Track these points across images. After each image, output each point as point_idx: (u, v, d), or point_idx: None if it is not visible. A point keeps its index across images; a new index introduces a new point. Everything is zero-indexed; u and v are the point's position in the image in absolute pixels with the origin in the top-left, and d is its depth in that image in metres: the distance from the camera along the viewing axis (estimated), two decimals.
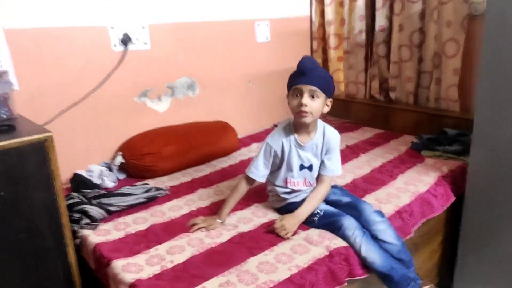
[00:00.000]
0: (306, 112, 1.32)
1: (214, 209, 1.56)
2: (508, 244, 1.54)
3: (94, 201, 1.55)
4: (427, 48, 2.24)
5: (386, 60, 2.46)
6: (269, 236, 1.36)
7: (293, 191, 1.46)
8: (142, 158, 1.89)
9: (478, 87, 1.51)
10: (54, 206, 1.32)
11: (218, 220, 1.43)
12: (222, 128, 2.21)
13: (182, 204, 1.63)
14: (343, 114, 2.69)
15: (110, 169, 1.91)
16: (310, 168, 1.45)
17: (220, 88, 2.38)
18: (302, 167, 1.44)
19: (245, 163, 2.02)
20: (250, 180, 1.46)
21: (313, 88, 1.31)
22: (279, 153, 1.42)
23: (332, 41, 2.66)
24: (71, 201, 1.52)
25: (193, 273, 1.18)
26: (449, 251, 1.80)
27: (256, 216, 1.49)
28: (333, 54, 2.72)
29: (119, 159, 1.91)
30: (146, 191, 1.68)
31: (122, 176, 1.92)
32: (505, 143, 1.46)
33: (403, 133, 2.33)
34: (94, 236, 1.41)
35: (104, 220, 1.52)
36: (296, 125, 1.41)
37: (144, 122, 2.08)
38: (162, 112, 2.16)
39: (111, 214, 1.55)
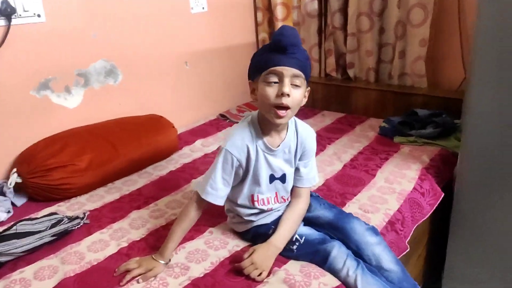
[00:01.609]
0: (286, 108, 0.96)
1: (153, 242, 1.15)
2: (502, 241, 1.33)
3: None
4: (389, 16, 1.97)
5: (343, 32, 2.14)
6: (235, 280, 0.98)
7: (262, 211, 1.10)
8: (48, 174, 1.39)
9: (473, 60, 1.24)
10: None
11: (161, 261, 1.03)
12: (155, 124, 1.76)
13: (108, 238, 1.19)
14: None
15: (1, 193, 1.39)
16: (282, 179, 1.09)
17: (149, 72, 1.90)
18: (272, 178, 1.08)
19: (189, 169, 1.61)
20: (203, 204, 1.06)
21: (297, 72, 0.95)
22: (243, 163, 1.04)
23: (280, 12, 2.27)
24: None
25: None
26: (435, 251, 1.58)
27: (212, 248, 1.11)
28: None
29: (14, 178, 1.39)
30: (54, 224, 1.21)
31: (20, 202, 1.41)
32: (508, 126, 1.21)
33: (366, 116, 2.06)
34: None
35: None
36: (264, 124, 1.04)
37: (49, 124, 1.57)
38: (73, 108, 1.65)
39: (1, 267, 1.07)
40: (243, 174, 1.06)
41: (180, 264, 1.05)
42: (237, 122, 2.05)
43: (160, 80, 1.95)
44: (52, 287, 1.00)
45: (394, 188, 1.37)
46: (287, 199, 1.14)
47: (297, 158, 1.09)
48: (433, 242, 1.57)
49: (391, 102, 2.01)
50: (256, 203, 1.09)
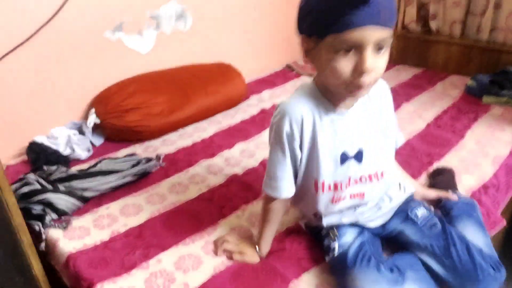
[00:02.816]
0: (367, 85, 0.68)
1: (235, 189, 1.13)
2: None
3: (61, 186, 1.09)
4: None
5: None
6: None
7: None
8: (124, 115, 1.40)
9: None
10: None
11: (259, 254, 0.89)
12: (225, 72, 1.71)
13: (186, 182, 1.19)
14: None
15: (81, 133, 1.42)
16: (359, 157, 0.81)
17: (219, 18, 1.82)
18: (344, 158, 0.81)
19: (258, 119, 1.56)
20: (273, 198, 0.84)
21: (384, 35, 0.64)
22: (297, 135, 0.78)
23: None
24: (27, 189, 1.05)
25: None
26: None
27: None
28: None
29: (93, 119, 1.41)
30: (134, 165, 1.22)
31: (98, 141, 1.44)
32: None
33: (447, 72, 1.89)
34: (66, 241, 0.97)
35: (78, 211, 1.07)
36: (329, 93, 0.76)
37: (122, 67, 1.55)
38: (146, 52, 1.62)
39: (88, 202, 1.10)
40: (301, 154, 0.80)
41: None
42: (304, 74, 1.98)
43: (229, 26, 1.87)
44: (140, 223, 1.02)
45: (487, 151, 1.26)
46: (361, 181, 0.83)
47: (380, 123, 0.82)
48: None
49: (477, 59, 1.82)
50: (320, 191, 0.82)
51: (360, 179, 0.82)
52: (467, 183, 1.11)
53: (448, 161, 1.21)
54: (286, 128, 0.76)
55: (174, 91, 1.52)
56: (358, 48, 0.65)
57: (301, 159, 0.79)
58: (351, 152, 0.80)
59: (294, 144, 0.77)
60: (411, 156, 1.24)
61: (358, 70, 0.65)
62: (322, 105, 0.77)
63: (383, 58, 0.68)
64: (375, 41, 0.64)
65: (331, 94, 0.76)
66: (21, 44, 1.27)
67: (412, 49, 2.03)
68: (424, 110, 1.54)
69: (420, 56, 2.00)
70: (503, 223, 1.03)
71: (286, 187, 0.81)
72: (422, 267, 0.82)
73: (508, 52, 1.73)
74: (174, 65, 1.68)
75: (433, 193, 1.00)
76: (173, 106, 1.49)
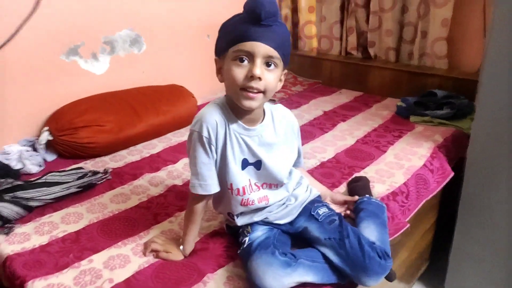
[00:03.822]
0: (257, 92, 0.83)
1: (172, 198, 1.24)
2: (509, 222, 1.36)
3: (6, 196, 1.17)
4: None
5: (365, 10, 2.14)
6: None
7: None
8: (75, 132, 1.49)
9: (489, 41, 1.24)
10: None
11: (182, 253, 0.99)
12: (176, 93, 1.84)
13: (129, 193, 1.28)
14: (313, 74, 2.38)
15: (34, 149, 1.50)
16: (257, 165, 0.95)
17: (172, 43, 1.97)
18: (245, 163, 0.96)
19: None
20: (200, 197, 0.95)
21: (272, 52, 0.82)
22: (213, 140, 0.91)
23: None
24: None
25: None
26: (442, 229, 1.62)
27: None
28: (303, 3, 2.36)
29: (45, 136, 1.50)
30: (80, 177, 1.31)
31: (51, 158, 1.52)
32: None
33: (385, 95, 2.07)
34: (6, 245, 1.05)
35: (22, 220, 1.15)
36: (236, 107, 0.90)
37: (77, 88, 1.66)
38: (100, 74, 1.74)
39: (32, 211, 1.18)
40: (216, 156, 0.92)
41: None
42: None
43: (182, 51, 2.02)
44: (77, 230, 1.10)
45: (403, 164, 1.41)
46: (262, 187, 0.96)
47: (282, 145, 0.98)
48: (442, 220, 1.61)
49: (407, 82, 2.01)
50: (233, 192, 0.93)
51: (262, 185, 0.95)
52: (378, 190, 1.25)
53: (366, 172, 1.36)
54: (204, 133, 0.89)
55: (125, 110, 1.63)
56: (250, 59, 0.82)
57: (216, 160, 0.92)
58: (251, 160, 0.93)
59: (211, 147, 0.90)
60: (335, 168, 1.38)
61: (249, 75, 0.82)
62: (230, 119, 0.91)
63: (272, 74, 0.85)
64: (263, 54, 0.82)
65: (237, 110, 0.90)
66: None
67: (353, 74, 2.21)
68: (356, 129, 1.70)
69: (360, 80, 2.18)
70: (408, 227, 1.16)
71: (213, 184, 0.93)
72: (322, 259, 0.93)
73: (433, 75, 1.92)
74: (128, 86, 1.80)
75: (340, 197, 1.14)
76: (123, 123, 1.59)
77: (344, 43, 2.28)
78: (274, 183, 0.97)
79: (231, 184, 0.93)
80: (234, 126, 0.91)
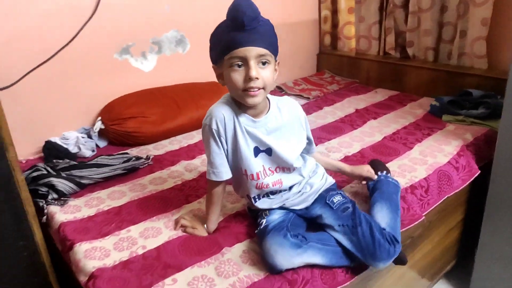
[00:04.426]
0: (258, 89, 0.92)
1: (202, 181, 1.37)
2: None
3: (63, 174, 1.36)
4: None
5: (403, 10, 2.15)
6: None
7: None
8: (124, 122, 1.68)
9: None
10: (9, 179, 1.13)
11: (206, 230, 1.11)
12: (215, 89, 1.97)
13: (166, 177, 1.43)
14: (352, 74, 2.42)
15: (89, 136, 1.71)
16: (268, 151, 1.04)
17: None
18: (257, 151, 1.05)
19: None
20: (216, 183, 1.06)
21: (262, 51, 0.90)
22: (222, 132, 1.01)
23: None
24: (35, 174, 1.33)
25: (167, 263, 0.99)
26: (470, 228, 1.60)
27: None
28: (343, 4, 2.40)
29: (98, 125, 1.70)
30: (125, 161, 1.48)
31: (102, 144, 1.72)
32: None
33: (421, 95, 2.07)
34: (61, 214, 1.23)
35: (75, 195, 1.34)
36: (242, 104, 0.99)
37: (128, 83, 1.85)
38: (148, 71, 1.92)
39: (84, 188, 1.37)
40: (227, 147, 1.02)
41: None
42: (292, 95, 2.21)
43: None
44: (120, 205, 1.26)
45: (427, 160, 1.43)
46: (276, 171, 1.05)
47: (288, 132, 1.05)
48: (470, 219, 1.60)
49: (445, 82, 1.99)
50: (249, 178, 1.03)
51: (276, 169, 1.04)
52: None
53: (388, 166, 1.39)
54: (214, 127, 0.99)
55: (168, 104, 1.79)
56: (244, 63, 0.91)
57: (227, 150, 1.02)
58: (262, 148, 1.02)
59: (221, 138, 1.00)
60: (358, 161, 1.43)
61: (247, 78, 0.91)
62: (238, 113, 1.00)
63: (267, 70, 0.93)
64: (255, 55, 0.90)
65: (243, 105, 0.99)
66: (45, 61, 1.59)
67: (389, 73, 2.22)
68: (385, 127, 1.73)
69: (397, 80, 2.19)
70: (422, 219, 1.20)
71: (225, 171, 1.03)
72: (334, 243, 1.00)
73: (471, 75, 1.89)
74: (173, 83, 1.97)
75: (359, 171, 1.21)
76: (166, 116, 1.76)
77: (382, 43, 2.30)
78: (286, 167, 1.06)
79: (245, 170, 1.02)
80: (242, 119, 1.00)
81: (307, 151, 1.12)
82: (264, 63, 0.92)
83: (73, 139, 1.63)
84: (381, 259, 0.96)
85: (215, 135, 1.00)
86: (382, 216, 1.05)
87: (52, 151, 1.54)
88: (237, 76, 0.92)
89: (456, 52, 1.99)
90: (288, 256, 0.94)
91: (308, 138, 1.11)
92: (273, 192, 1.07)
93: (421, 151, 1.49)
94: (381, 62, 2.27)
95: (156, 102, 1.78)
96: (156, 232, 1.12)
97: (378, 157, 1.47)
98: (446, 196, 1.35)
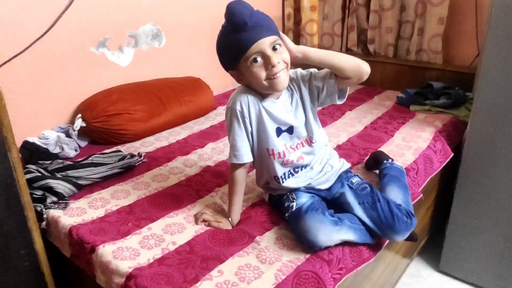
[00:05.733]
0: (280, 71, 0.98)
1: (207, 176, 1.36)
2: (501, 198, 1.54)
3: (58, 174, 1.27)
4: None
5: (366, 9, 2.31)
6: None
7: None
8: (108, 120, 1.60)
9: (487, 37, 1.41)
10: (11, 182, 1.04)
11: (230, 223, 1.12)
12: (196, 85, 1.95)
13: (167, 173, 1.40)
14: (318, 69, 2.53)
15: (68, 135, 1.60)
16: (290, 130, 1.11)
17: (190, 38, 2.08)
18: (279, 131, 1.12)
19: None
20: (238, 166, 1.09)
21: (272, 38, 0.97)
22: (246, 113, 1.07)
23: None
24: (29, 176, 1.22)
25: (205, 256, 0.99)
26: (441, 206, 1.79)
27: None
28: (306, 3, 2.50)
29: (79, 122, 1.60)
30: (120, 160, 1.42)
31: (83, 144, 1.62)
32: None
33: (385, 88, 2.24)
34: (67, 217, 1.15)
35: (74, 196, 1.25)
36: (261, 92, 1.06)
37: (105, 78, 1.76)
38: (125, 66, 1.84)
39: (81, 189, 1.29)
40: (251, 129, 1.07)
41: None
42: None
43: (199, 45, 2.13)
44: (129, 204, 1.21)
45: (411, 145, 1.57)
46: (297, 148, 1.12)
47: (300, 103, 1.11)
48: (441, 197, 1.78)
49: (407, 76, 2.18)
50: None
51: (297, 146, 1.12)
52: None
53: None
54: (238, 108, 1.04)
55: (152, 100, 1.74)
56: (261, 55, 0.97)
57: (251, 132, 1.08)
58: (283, 127, 1.10)
59: (245, 120, 1.06)
60: (351, 150, 1.53)
61: (269, 67, 0.97)
62: (259, 97, 1.07)
63: (282, 51, 0.99)
64: (268, 45, 0.96)
65: (262, 93, 1.06)
66: (16, 55, 1.46)
67: None
68: (363, 117, 1.86)
69: None
70: (421, 197, 1.33)
71: (246, 154, 1.07)
72: (359, 222, 1.08)
73: (431, 69, 2.10)
74: (149, 78, 1.91)
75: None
76: (151, 112, 1.70)
77: (345, 40, 2.44)
78: (305, 140, 1.12)
79: (272, 150, 1.08)
80: (264, 103, 1.06)
81: (330, 84, 1.10)
82: (276, 48, 0.98)
83: (53, 139, 1.51)
84: (400, 231, 1.06)
85: (239, 116, 1.05)
86: (396, 195, 1.16)
87: (34, 153, 1.42)
88: (259, 69, 0.98)
89: (414, 48, 2.19)
90: (329, 232, 1.00)
91: (323, 79, 1.10)
92: (297, 170, 1.13)
93: (402, 137, 1.64)
94: None
95: (140, 98, 1.71)
96: (180, 228, 1.10)
97: (366, 144, 1.58)
98: (430, 177, 1.50)
